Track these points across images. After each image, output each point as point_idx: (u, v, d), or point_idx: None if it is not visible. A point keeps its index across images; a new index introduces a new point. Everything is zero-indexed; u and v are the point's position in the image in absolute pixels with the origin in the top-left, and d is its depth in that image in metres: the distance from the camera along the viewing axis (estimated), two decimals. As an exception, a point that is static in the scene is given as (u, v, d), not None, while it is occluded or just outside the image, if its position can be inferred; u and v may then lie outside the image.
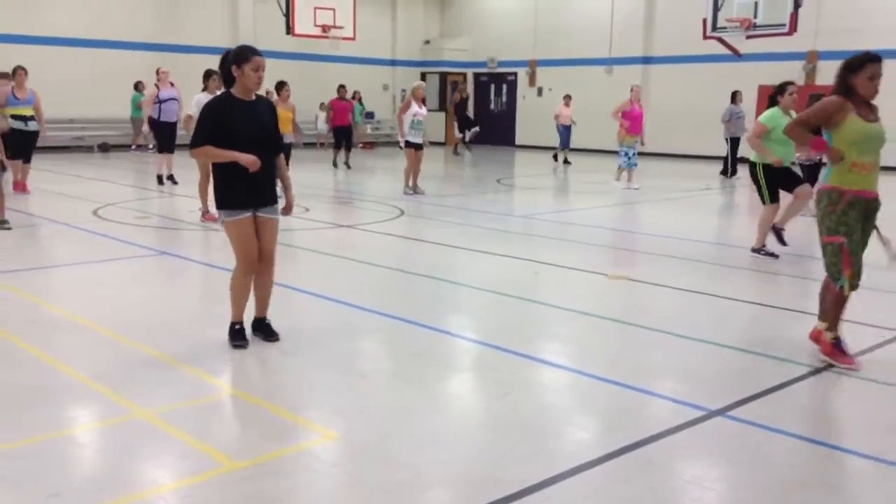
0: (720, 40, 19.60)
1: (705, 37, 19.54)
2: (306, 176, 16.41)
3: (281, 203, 5.18)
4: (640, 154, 15.23)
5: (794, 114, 7.69)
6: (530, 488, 3.27)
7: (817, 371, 4.81)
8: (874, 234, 5.07)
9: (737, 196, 15.07)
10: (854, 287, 4.82)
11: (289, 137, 12.18)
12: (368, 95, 25.30)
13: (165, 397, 4.25)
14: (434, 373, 4.76)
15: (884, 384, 4.63)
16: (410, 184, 13.39)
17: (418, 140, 13.18)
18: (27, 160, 12.19)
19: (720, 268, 7.93)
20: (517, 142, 27.35)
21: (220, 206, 4.97)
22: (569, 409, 4.32)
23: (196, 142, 4.82)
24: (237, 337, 5.11)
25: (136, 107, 18.99)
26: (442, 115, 28.20)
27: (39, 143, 12.45)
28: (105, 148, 20.74)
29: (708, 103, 20.39)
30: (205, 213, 9.82)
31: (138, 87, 19.78)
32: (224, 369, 4.79)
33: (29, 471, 3.35)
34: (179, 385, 4.47)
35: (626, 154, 14.64)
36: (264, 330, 5.24)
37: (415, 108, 13.00)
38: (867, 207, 4.83)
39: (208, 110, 4.84)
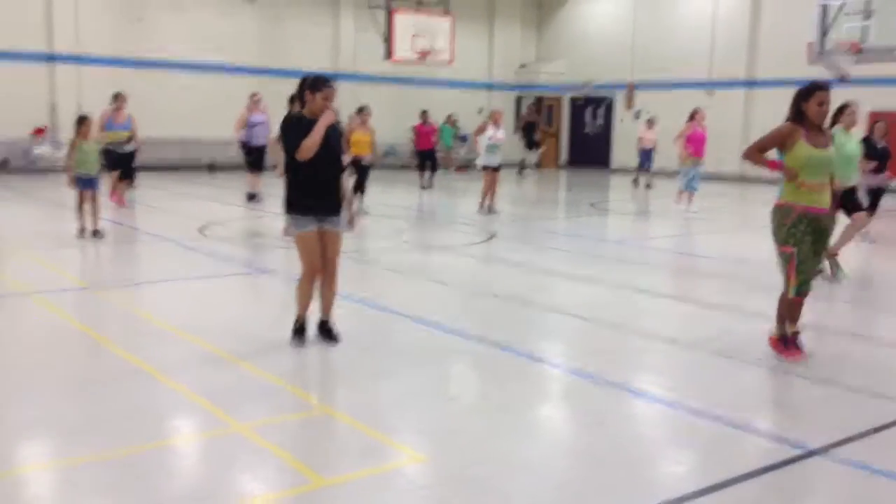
0: (827, 65, 18.90)
1: (810, 62, 18.89)
2: (395, 198, 16.70)
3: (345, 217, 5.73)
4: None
5: (853, 133, 8.23)
6: (618, 521, 3.22)
7: (927, 413, 4.56)
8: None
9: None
10: (801, 293, 5.37)
11: (367, 159, 12.80)
12: (464, 119, 25.53)
13: (261, 412, 4.38)
14: (524, 399, 4.73)
15: None
16: (486, 204, 13.54)
17: (494, 163, 13.41)
18: (123, 176, 12.97)
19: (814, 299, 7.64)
20: (612, 165, 27.03)
21: (287, 209, 5.51)
22: (661, 441, 4.22)
23: (295, 147, 5.36)
24: (299, 334, 5.62)
25: None
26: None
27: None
28: (212, 168, 21.60)
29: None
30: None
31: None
32: (318, 387, 4.92)
33: (130, 479, 3.50)
34: (275, 400, 4.60)
35: (687, 176, 14.40)
36: (327, 332, 5.69)
37: (490, 131, 13.30)
38: (818, 223, 5.32)
39: (289, 125, 5.47)
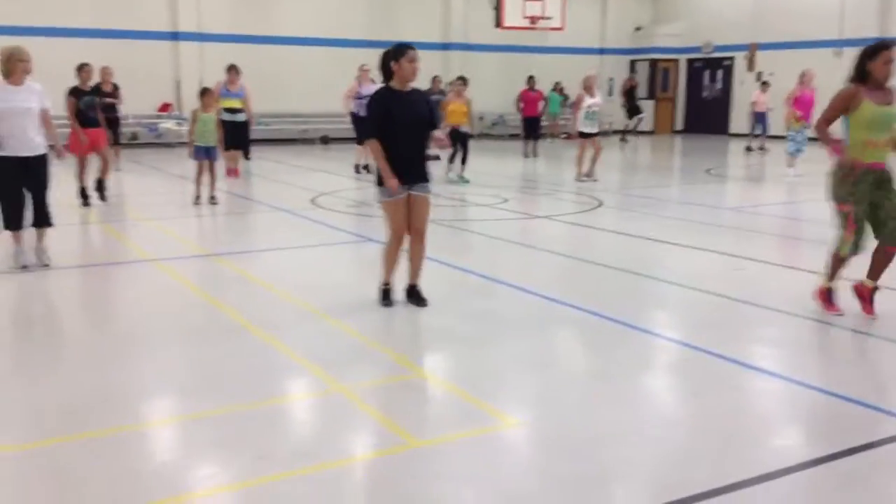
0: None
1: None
2: (499, 166, 16.68)
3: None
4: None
5: None
6: (713, 491, 3.16)
7: None
8: None
9: None
10: (855, 252, 5.45)
11: (465, 128, 13.09)
12: (575, 86, 25.09)
13: (362, 375, 4.53)
14: (623, 368, 4.68)
15: None
16: (584, 171, 13.44)
17: (592, 129, 13.41)
18: (237, 147, 13.46)
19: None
20: (731, 130, 25.97)
21: (379, 183, 5.60)
22: (765, 413, 4.10)
23: (368, 133, 5.54)
24: (385, 297, 5.79)
25: None
26: (651, 103, 27.44)
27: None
28: (326, 140, 22.15)
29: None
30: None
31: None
32: (417, 353, 5.02)
33: (239, 435, 3.70)
34: (375, 364, 4.75)
35: (794, 139, 13.83)
36: (416, 296, 5.80)
37: (588, 100, 13.28)
38: (879, 178, 5.38)
39: (374, 102, 5.51)
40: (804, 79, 14.11)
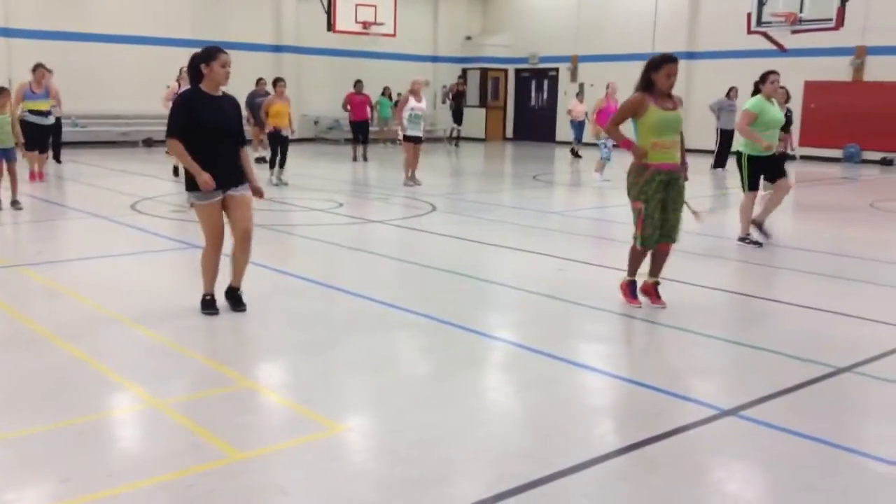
0: (765, 35, 19.18)
1: (749, 31, 19.14)
2: (333, 170, 16.61)
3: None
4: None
5: (775, 101, 8.44)
6: (532, 483, 3.25)
7: (837, 372, 4.70)
8: (686, 208, 6.03)
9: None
10: (646, 245, 5.87)
11: (286, 131, 13.07)
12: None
13: (180, 388, 4.33)
14: (450, 369, 4.75)
15: (910, 387, 4.51)
16: (409, 175, 13.66)
17: (417, 133, 13.61)
18: (43, 150, 12.71)
19: (720, 260, 7.81)
20: (557, 138, 27.14)
21: (189, 188, 5.39)
22: (582, 406, 4.28)
23: (170, 132, 5.31)
24: (208, 306, 5.56)
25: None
26: (482, 111, 28.23)
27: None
28: (149, 143, 21.10)
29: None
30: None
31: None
32: (243, 362, 4.84)
33: (42, 456, 3.43)
34: (196, 376, 4.55)
35: (606, 146, 14.76)
36: (235, 299, 5.65)
37: (412, 102, 13.49)
38: (668, 178, 5.79)
39: (180, 103, 5.32)
40: (608, 91, 14.94)
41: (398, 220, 10.33)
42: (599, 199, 13.33)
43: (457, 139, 24.59)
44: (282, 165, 13.37)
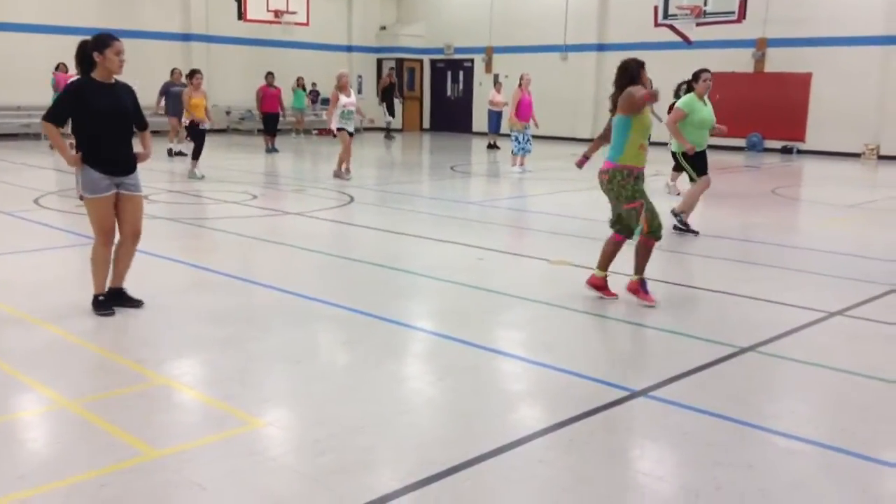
0: (671, 28, 19.77)
1: (656, 24, 19.71)
2: (247, 162, 16.37)
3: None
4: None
5: (707, 99, 8.58)
6: (453, 468, 3.30)
7: (741, 352, 4.92)
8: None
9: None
10: (656, 237, 5.97)
11: (204, 124, 12.88)
12: (325, 82, 25.08)
13: (91, 387, 4.21)
14: (370, 359, 4.76)
15: (806, 363, 4.76)
16: (344, 168, 13.47)
17: (350, 128, 13.45)
18: None
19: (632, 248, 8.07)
20: (474, 129, 27.34)
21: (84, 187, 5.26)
22: (501, 391, 4.35)
23: (49, 116, 5.16)
24: (101, 307, 5.37)
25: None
26: (398, 101, 28.14)
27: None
28: (53, 135, 20.30)
29: (661, 90, 20.56)
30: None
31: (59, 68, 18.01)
32: (156, 359, 4.73)
33: (-56, 463, 3.29)
34: (107, 374, 4.44)
35: (518, 140, 14.95)
36: (125, 297, 5.51)
37: (343, 99, 13.20)
38: (642, 176, 5.94)
39: (69, 93, 5.21)
40: (522, 83, 15.09)
41: (316, 212, 10.24)
42: (517, 190, 13.51)
43: (389, 131, 24.29)
44: (196, 157, 13.12)
